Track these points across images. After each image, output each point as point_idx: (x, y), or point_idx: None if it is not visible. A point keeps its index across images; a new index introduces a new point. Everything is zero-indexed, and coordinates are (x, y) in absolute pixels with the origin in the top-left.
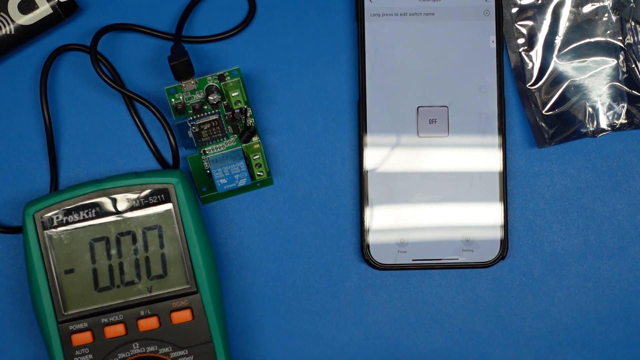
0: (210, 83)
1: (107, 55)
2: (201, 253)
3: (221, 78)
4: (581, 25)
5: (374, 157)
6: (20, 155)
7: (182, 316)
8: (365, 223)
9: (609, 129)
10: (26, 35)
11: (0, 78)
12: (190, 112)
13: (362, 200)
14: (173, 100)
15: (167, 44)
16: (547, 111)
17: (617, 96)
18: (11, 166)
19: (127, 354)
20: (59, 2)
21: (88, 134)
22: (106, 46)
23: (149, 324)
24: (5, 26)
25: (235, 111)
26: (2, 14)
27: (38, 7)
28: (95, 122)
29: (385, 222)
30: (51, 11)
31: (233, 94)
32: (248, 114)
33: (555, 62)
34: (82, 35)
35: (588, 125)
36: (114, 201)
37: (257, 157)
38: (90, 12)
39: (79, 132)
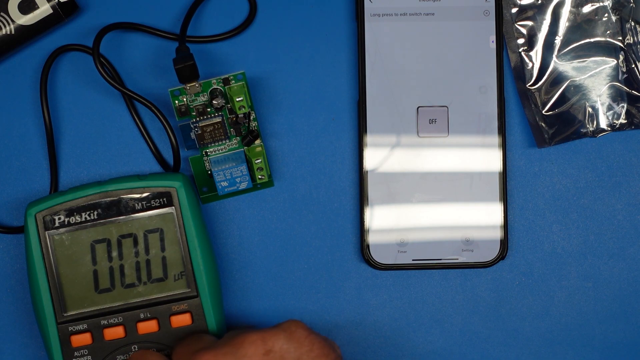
0: (215, 86)
1: (107, 56)
2: (202, 257)
3: (226, 82)
4: (581, 25)
5: (374, 157)
6: (20, 155)
7: (181, 320)
8: (365, 223)
9: (609, 129)
10: (26, 35)
11: (0, 78)
12: (194, 114)
13: (362, 200)
14: (177, 102)
15: (168, 44)
16: (547, 111)
17: (616, 96)
18: (11, 166)
19: (126, 356)
20: (59, 2)
21: (88, 134)
22: (106, 47)
23: (149, 327)
24: (5, 26)
25: (239, 116)
26: (2, 14)
27: (38, 7)
28: (96, 123)
29: (385, 222)
30: (51, 11)
31: (237, 99)
32: (251, 117)
33: (555, 62)
34: (82, 35)
35: (588, 125)
36: (116, 203)
37: (259, 160)
38: (90, 12)
39: (79, 133)
